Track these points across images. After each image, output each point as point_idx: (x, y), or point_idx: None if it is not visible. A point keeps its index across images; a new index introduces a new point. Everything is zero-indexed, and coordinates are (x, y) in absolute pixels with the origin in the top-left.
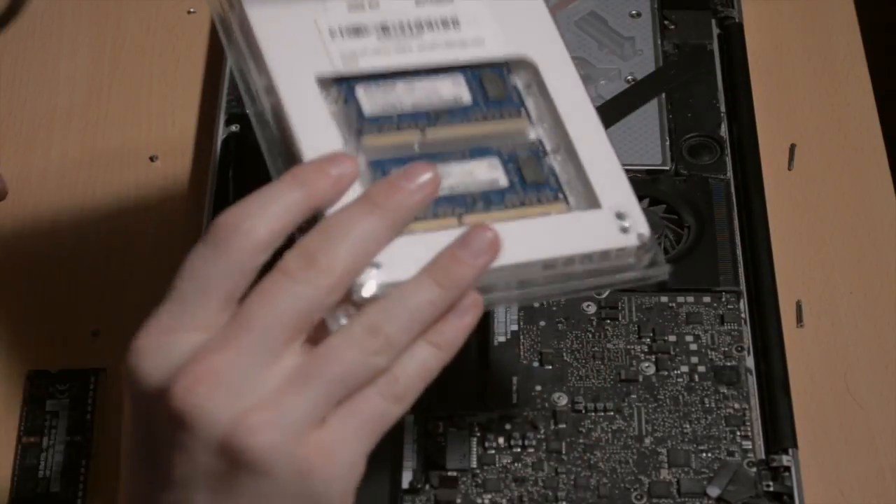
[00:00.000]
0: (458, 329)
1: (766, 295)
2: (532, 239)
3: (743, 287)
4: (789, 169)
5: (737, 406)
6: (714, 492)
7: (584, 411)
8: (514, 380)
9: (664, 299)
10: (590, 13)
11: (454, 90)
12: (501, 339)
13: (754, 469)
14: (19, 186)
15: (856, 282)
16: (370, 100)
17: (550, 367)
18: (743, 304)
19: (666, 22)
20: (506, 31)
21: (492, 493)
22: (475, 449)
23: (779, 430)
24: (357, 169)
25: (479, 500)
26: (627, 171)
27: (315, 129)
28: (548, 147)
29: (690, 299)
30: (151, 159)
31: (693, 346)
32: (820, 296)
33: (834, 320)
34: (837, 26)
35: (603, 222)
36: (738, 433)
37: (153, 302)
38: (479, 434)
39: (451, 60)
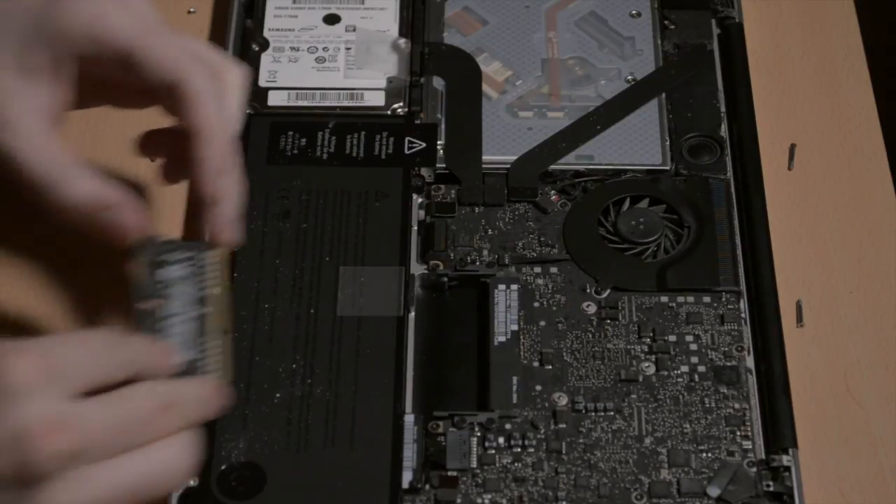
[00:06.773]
0: None
1: (766, 295)
2: None
3: (743, 287)
4: (789, 169)
5: (737, 406)
6: (714, 492)
7: (584, 411)
8: (514, 380)
9: (664, 299)
10: (590, 13)
11: None
12: (501, 339)
13: (754, 469)
14: None
15: (856, 282)
16: None
17: (550, 367)
18: (743, 304)
19: (666, 22)
20: None
21: (492, 493)
22: (475, 449)
23: (779, 430)
24: None
25: (479, 500)
26: (627, 170)
27: None
28: None
29: (690, 299)
30: (151, 159)
31: (693, 346)
32: (820, 296)
33: (834, 320)
34: (837, 26)
35: None
36: (738, 433)
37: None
38: (479, 434)
39: None
